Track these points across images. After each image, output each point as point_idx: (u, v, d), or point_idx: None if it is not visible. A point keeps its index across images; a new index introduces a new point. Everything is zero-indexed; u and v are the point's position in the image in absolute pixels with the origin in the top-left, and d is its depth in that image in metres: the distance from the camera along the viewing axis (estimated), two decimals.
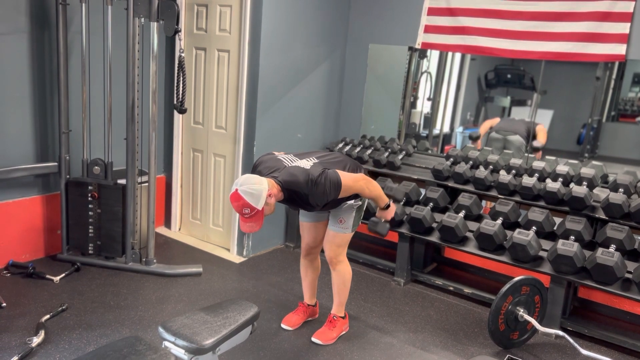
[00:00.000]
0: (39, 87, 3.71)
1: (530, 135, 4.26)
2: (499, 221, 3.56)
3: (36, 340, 2.80)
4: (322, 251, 3.16)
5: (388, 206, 2.90)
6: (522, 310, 3.11)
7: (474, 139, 4.65)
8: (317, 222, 3.08)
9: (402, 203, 2.99)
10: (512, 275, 3.33)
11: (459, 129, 4.93)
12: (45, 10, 3.65)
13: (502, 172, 3.95)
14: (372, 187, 2.78)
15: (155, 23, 3.49)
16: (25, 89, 3.65)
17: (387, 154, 4.42)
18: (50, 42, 3.71)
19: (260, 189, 2.41)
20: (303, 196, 2.59)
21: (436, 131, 4.98)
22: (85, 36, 3.65)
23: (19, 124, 3.65)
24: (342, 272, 3.07)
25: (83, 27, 3.63)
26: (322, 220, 3.07)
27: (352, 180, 2.67)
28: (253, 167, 2.73)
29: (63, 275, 3.61)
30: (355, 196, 2.86)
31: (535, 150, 4.27)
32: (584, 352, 3.01)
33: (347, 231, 2.96)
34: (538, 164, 3.88)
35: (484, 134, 4.62)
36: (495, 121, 4.61)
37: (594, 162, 3.93)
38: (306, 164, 2.68)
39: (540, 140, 4.25)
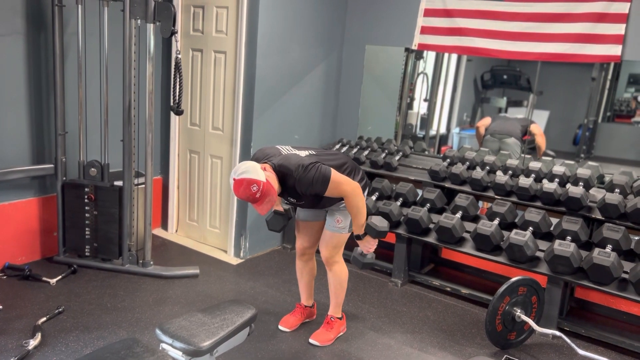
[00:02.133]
0: (35, 88, 3.70)
1: (527, 134, 4.27)
2: (496, 222, 3.57)
3: (33, 343, 2.79)
4: (318, 252, 3.16)
5: (362, 236, 2.78)
6: (519, 311, 3.12)
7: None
8: (313, 222, 3.08)
9: (378, 236, 2.75)
10: (509, 276, 3.34)
11: (455, 130, 4.94)
12: (42, 11, 3.64)
13: (499, 173, 3.96)
14: (357, 201, 2.69)
15: (152, 24, 3.49)
16: (21, 91, 3.63)
17: (384, 155, 4.42)
18: (47, 44, 3.70)
19: (250, 165, 2.51)
20: (290, 180, 2.62)
21: (433, 132, 4.99)
22: (81, 38, 3.64)
23: (15, 126, 3.64)
24: (338, 273, 3.07)
25: (79, 28, 3.62)
26: (319, 220, 3.07)
27: (339, 181, 2.64)
28: (252, 156, 2.80)
29: (60, 277, 3.60)
30: None
31: (533, 147, 4.29)
32: (581, 352, 3.02)
33: (343, 231, 2.96)
34: (534, 165, 3.89)
35: (482, 134, 4.63)
36: (487, 121, 4.60)
37: (590, 163, 3.94)
38: (303, 153, 2.74)
39: (534, 129, 4.27)
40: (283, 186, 2.67)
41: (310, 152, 2.79)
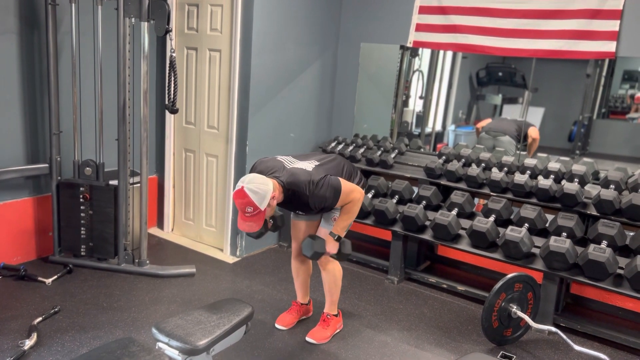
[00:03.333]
0: (29, 88, 3.69)
1: (522, 135, 4.28)
2: (492, 218, 3.58)
3: (29, 343, 2.78)
4: None
5: (338, 238, 2.85)
6: (515, 307, 3.12)
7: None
8: (309, 222, 3.08)
9: (338, 257, 2.97)
10: (505, 273, 3.35)
11: (451, 127, 4.94)
12: (35, 10, 3.62)
13: (494, 170, 3.97)
14: (357, 207, 2.82)
15: (146, 23, 3.47)
16: (15, 91, 3.62)
17: (379, 152, 4.42)
18: (40, 43, 3.68)
19: (266, 190, 2.45)
20: (302, 197, 2.61)
21: (428, 129, 4.99)
22: (75, 37, 3.62)
23: (9, 126, 3.63)
24: (333, 271, 3.07)
25: (73, 27, 3.60)
26: (314, 220, 3.06)
27: (349, 190, 2.72)
28: (252, 169, 2.74)
29: (55, 277, 3.59)
30: None
31: (527, 144, 4.29)
32: (577, 347, 3.03)
33: None
34: (530, 162, 3.90)
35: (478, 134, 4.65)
36: (486, 122, 4.62)
37: (585, 159, 3.95)
38: (307, 165, 2.72)
39: (532, 133, 4.27)
40: (291, 201, 2.66)
41: (313, 162, 2.78)
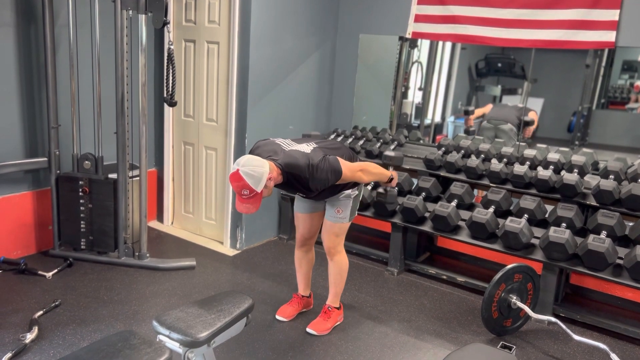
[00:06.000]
0: (26, 81, 3.67)
1: (522, 123, 4.28)
2: (491, 209, 3.58)
3: (30, 337, 2.78)
4: (317, 242, 3.16)
5: (391, 179, 3.00)
6: (514, 298, 3.13)
7: (469, 113, 4.68)
8: (312, 213, 3.08)
9: (385, 196, 3.22)
10: (505, 263, 3.35)
11: (450, 119, 4.94)
12: (31, 3, 3.60)
13: (494, 161, 3.96)
14: (371, 174, 2.85)
15: (144, 15, 3.45)
16: (12, 84, 3.60)
17: (379, 144, 4.42)
18: (37, 36, 3.67)
19: (261, 172, 2.42)
20: (302, 180, 2.59)
21: (428, 121, 4.98)
22: (72, 29, 3.60)
23: (7, 120, 3.61)
24: (340, 263, 3.07)
25: (70, 20, 3.58)
26: (318, 211, 3.06)
27: (350, 170, 2.69)
28: (250, 151, 2.72)
29: (55, 271, 3.59)
30: (353, 185, 2.88)
31: (526, 124, 4.27)
32: (576, 337, 3.04)
33: (344, 221, 2.96)
34: (529, 152, 3.90)
35: (476, 116, 4.64)
36: (487, 108, 4.61)
37: (585, 150, 3.95)
38: (306, 148, 2.69)
39: (532, 116, 4.26)
40: (290, 183, 2.64)
41: (311, 144, 2.75)
